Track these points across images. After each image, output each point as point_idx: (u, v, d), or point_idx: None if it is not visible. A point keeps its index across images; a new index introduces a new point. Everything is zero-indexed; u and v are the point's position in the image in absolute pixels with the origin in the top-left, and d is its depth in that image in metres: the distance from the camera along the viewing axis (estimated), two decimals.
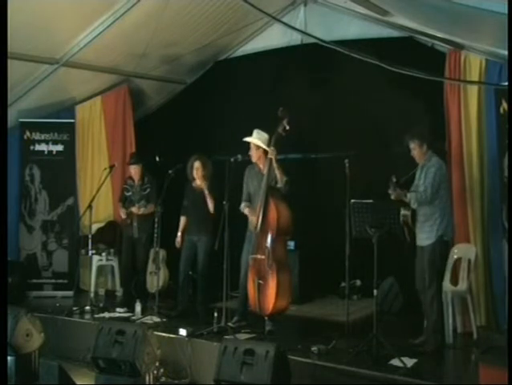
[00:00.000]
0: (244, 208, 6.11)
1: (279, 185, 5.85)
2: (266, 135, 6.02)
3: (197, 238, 6.56)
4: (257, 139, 6.04)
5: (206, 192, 6.50)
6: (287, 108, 5.83)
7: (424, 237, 5.43)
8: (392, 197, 5.40)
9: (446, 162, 6.16)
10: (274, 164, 5.83)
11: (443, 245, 5.44)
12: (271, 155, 5.83)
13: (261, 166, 6.12)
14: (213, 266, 6.43)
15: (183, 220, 6.75)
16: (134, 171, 7.30)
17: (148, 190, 7.22)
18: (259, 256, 5.81)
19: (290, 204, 5.90)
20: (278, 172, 5.83)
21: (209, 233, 6.46)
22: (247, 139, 6.09)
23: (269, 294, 5.68)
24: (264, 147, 5.99)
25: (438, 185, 5.37)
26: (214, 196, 6.46)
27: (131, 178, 7.38)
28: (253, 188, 6.13)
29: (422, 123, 5.95)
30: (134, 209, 7.15)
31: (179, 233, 6.72)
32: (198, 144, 7.62)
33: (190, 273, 6.80)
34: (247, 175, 6.22)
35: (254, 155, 6.09)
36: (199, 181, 6.59)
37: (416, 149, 5.51)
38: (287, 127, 5.77)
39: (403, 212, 5.39)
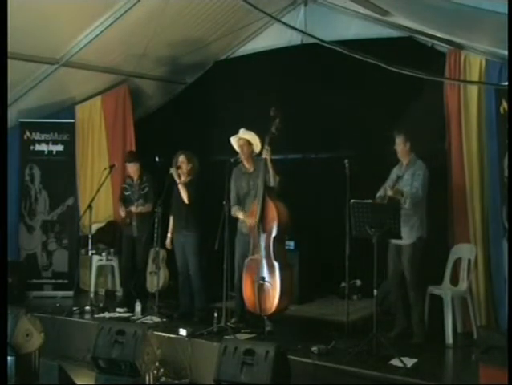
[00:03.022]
0: (236, 212, 6.02)
1: (272, 184, 5.82)
2: (253, 134, 6.02)
3: (183, 238, 6.48)
4: (247, 135, 6.03)
5: (182, 185, 6.37)
6: (280, 108, 5.82)
7: (404, 236, 5.45)
8: (390, 193, 5.43)
9: (446, 162, 6.20)
10: (269, 164, 5.80)
11: (422, 243, 5.53)
12: (266, 154, 5.82)
13: (247, 165, 6.10)
14: (210, 266, 6.41)
15: (172, 220, 6.67)
16: (132, 169, 7.29)
17: (147, 189, 7.20)
18: (258, 256, 5.79)
19: (291, 204, 5.90)
20: (272, 172, 5.80)
21: (194, 232, 6.39)
22: (239, 135, 6.06)
23: (272, 294, 5.65)
24: (257, 143, 5.96)
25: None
26: (188, 189, 6.35)
27: (130, 177, 7.38)
28: (242, 189, 6.09)
29: (422, 123, 5.97)
30: (133, 208, 7.15)
31: (169, 234, 6.66)
32: (198, 144, 7.61)
33: (191, 273, 6.77)
34: (235, 177, 6.13)
35: (246, 152, 6.04)
36: (183, 177, 6.47)
37: (400, 145, 5.68)
38: (279, 127, 5.76)
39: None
